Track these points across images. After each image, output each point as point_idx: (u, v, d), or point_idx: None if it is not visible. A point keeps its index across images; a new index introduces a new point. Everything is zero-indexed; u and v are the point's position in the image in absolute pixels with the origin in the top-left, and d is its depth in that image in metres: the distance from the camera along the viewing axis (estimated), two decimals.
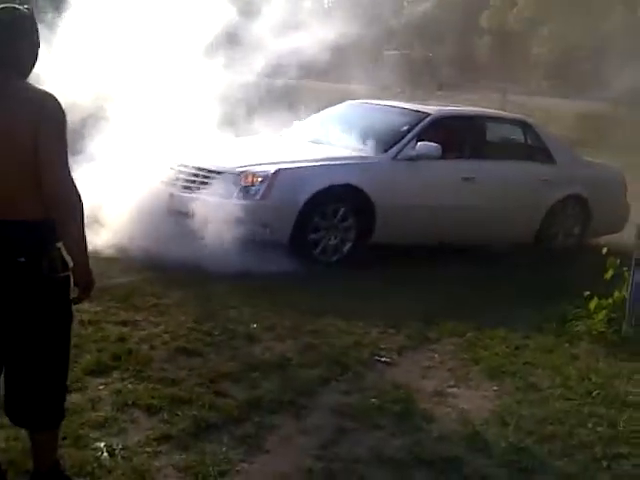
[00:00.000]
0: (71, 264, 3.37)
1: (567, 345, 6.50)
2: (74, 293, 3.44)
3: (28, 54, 3.36)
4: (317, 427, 4.67)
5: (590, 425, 4.95)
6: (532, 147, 10.02)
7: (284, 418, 4.74)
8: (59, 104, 3.25)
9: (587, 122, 24.33)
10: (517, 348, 6.33)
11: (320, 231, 8.14)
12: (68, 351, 3.50)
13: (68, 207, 3.25)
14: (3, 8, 3.35)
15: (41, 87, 3.33)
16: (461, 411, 5.07)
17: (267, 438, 4.47)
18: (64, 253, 3.38)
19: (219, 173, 8.12)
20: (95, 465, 3.95)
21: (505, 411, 5.07)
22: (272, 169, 7.99)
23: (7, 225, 3.21)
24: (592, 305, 6.87)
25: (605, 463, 4.51)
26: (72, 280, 3.39)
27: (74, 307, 3.48)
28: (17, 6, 3.36)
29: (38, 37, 3.38)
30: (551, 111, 28.94)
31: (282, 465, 4.21)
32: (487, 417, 4.99)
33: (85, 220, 3.32)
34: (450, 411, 5.08)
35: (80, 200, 3.26)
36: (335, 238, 8.24)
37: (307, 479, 4.09)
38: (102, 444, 4.15)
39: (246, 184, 7.93)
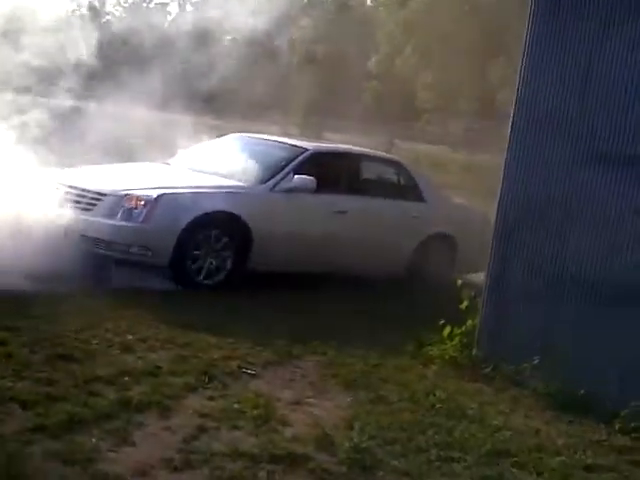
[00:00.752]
0: None
1: (420, 366, 7.09)
2: None
3: None
4: (180, 426, 5.10)
5: (429, 433, 5.51)
6: (404, 186, 10.69)
7: (151, 417, 5.16)
8: None
9: (470, 168, 25.43)
10: (374, 366, 6.89)
11: (199, 255, 8.58)
12: None
13: None
14: None
15: None
16: (315, 417, 5.59)
17: (134, 433, 4.88)
18: None
19: (104, 195, 8.50)
20: None
21: (354, 418, 5.59)
22: (155, 194, 8.42)
23: None
24: (445, 332, 7.50)
25: (437, 464, 5.08)
26: None
27: None
28: None
29: None
30: (436, 157, 30.19)
31: (145, 455, 4.63)
32: (337, 423, 5.50)
33: None
34: (305, 417, 5.58)
35: None
36: (213, 263, 8.69)
37: (167, 467, 4.52)
38: None
39: (130, 207, 8.33)
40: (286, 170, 9.40)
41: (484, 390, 6.63)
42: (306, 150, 9.80)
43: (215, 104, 41.45)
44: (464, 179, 21.97)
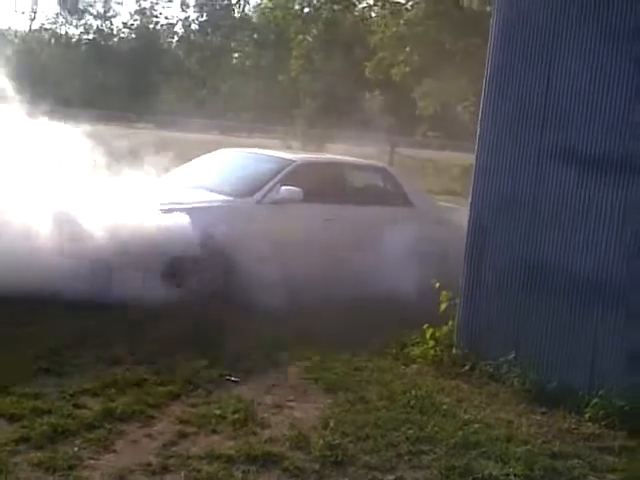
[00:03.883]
0: None
1: (402, 367, 7.31)
2: None
3: None
4: (161, 432, 5.37)
5: (402, 429, 5.74)
6: (390, 191, 10.93)
7: (133, 426, 5.43)
8: None
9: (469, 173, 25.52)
10: (356, 369, 7.11)
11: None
12: None
13: None
14: None
15: None
16: (293, 419, 5.83)
17: (115, 441, 5.16)
18: None
19: None
20: None
21: (331, 418, 5.83)
22: None
23: None
24: (427, 333, 7.73)
25: (407, 458, 5.31)
26: None
27: None
28: None
29: None
30: (438, 162, 30.39)
31: (126, 461, 4.89)
32: (314, 423, 5.74)
33: None
34: (284, 419, 5.83)
35: None
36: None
37: (145, 471, 4.79)
38: None
39: None
40: (273, 182, 9.65)
41: (461, 387, 6.85)
42: (293, 162, 10.06)
43: (220, 120, 41.82)
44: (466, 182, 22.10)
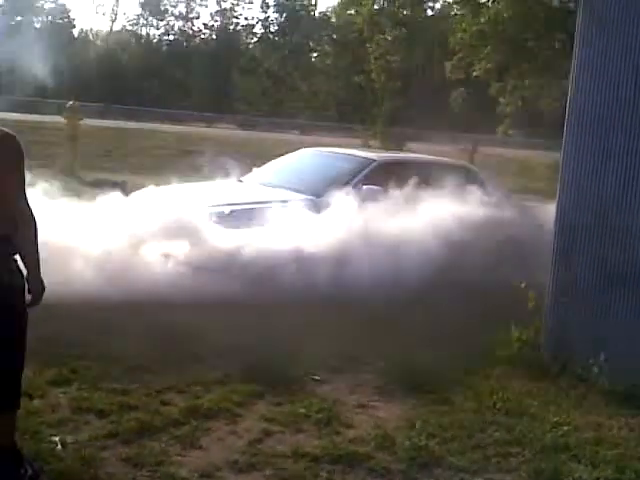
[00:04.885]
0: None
1: (487, 368, 7.19)
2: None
3: None
4: (247, 430, 5.38)
5: (489, 431, 5.65)
6: (472, 190, 10.79)
7: (219, 423, 5.44)
8: (17, 142, 4.01)
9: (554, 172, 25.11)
10: (441, 370, 6.99)
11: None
12: (24, 346, 4.22)
13: (26, 228, 4.02)
14: None
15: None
16: (378, 419, 5.79)
17: (202, 438, 5.17)
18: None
19: None
20: (49, 455, 4.65)
21: (416, 419, 5.77)
22: (227, 210, 8.74)
23: None
24: (513, 333, 7.60)
25: (495, 460, 5.23)
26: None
27: None
28: None
29: None
30: (521, 160, 30.00)
31: (212, 458, 4.91)
32: (399, 424, 5.69)
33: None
34: (368, 419, 5.78)
35: (34, 221, 4.03)
36: None
37: (231, 469, 4.80)
38: (57, 438, 4.85)
39: None
40: (354, 181, 9.62)
41: (549, 389, 6.70)
42: (373, 161, 10.02)
43: (299, 119, 41.96)
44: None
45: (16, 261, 4.14)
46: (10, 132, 4.06)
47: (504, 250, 10.30)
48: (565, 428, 5.74)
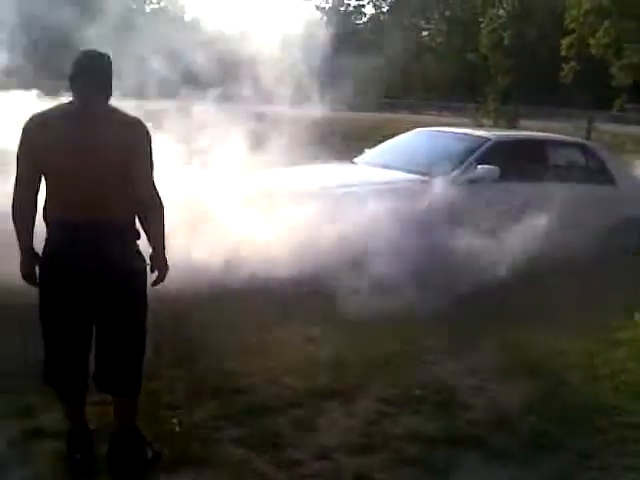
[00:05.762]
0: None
1: (609, 350, 6.98)
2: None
3: (111, 86, 4.21)
4: (362, 411, 5.34)
5: (610, 415, 5.49)
6: (592, 169, 10.50)
7: (334, 404, 5.43)
8: (146, 128, 4.08)
9: None
10: (560, 352, 6.84)
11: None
12: (145, 330, 4.29)
13: (155, 211, 4.12)
14: (99, 52, 4.20)
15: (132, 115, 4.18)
16: (495, 402, 5.67)
17: (317, 420, 5.17)
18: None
19: None
20: (168, 436, 4.71)
21: (535, 402, 5.63)
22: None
23: (101, 222, 4.04)
24: (636, 315, 7.37)
25: (616, 445, 5.07)
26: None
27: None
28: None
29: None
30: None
31: (327, 440, 4.90)
32: (518, 407, 5.56)
33: None
34: (486, 402, 5.68)
35: (162, 205, 4.13)
36: None
37: (347, 451, 4.77)
38: (175, 420, 4.92)
39: None
40: (469, 160, 9.46)
41: None
42: (488, 139, 9.83)
43: (408, 100, 41.68)
44: None
45: (137, 245, 4.22)
46: (139, 119, 4.13)
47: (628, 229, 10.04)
48: None
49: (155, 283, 4.32)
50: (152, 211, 4.14)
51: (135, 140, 4.06)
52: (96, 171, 4.01)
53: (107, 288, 4.08)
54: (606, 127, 29.89)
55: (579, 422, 5.34)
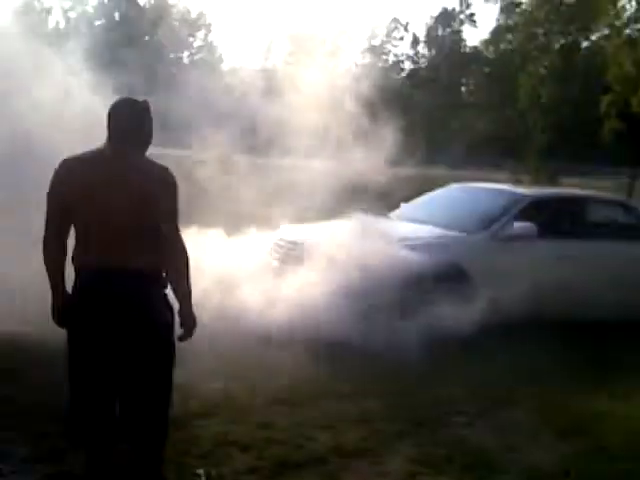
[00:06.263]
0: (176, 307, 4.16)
1: None
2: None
3: (150, 135, 4.21)
4: (391, 471, 5.23)
5: None
6: (633, 226, 10.37)
7: (362, 462, 5.32)
8: (173, 176, 4.08)
9: None
10: (598, 414, 6.64)
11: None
12: (172, 381, 4.24)
13: (182, 260, 4.09)
14: (135, 99, 4.21)
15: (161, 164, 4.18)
16: (526, 465, 5.52)
17: (344, 477, 5.06)
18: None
19: None
20: None
21: (569, 466, 5.47)
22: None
23: (128, 272, 4.02)
24: None
25: None
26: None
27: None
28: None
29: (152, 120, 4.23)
30: None
31: None
32: (551, 471, 5.41)
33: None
34: (516, 464, 5.52)
35: (187, 255, 4.11)
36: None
37: None
38: (201, 471, 4.85)
39: None
40: (506, 217, 9.38)
41: None
42: (526, 196, 9.75)
43: (446, 155, 41.79)
44: None
45: (166, 295, 4.18)
46: (167, 168, 4.13)
47: None
48: None
49: (182, 338, 4.25)
50: (175, 261, 4.09)
51: (162, 188, 4.05)
52: (124, 217, 4.00)
53: (137, 337, 4.04)
54: None
55: None
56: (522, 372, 7.56)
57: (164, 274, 4.15)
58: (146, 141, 4.22)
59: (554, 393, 7.01)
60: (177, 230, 4.10)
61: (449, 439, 5.85)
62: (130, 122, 4.14)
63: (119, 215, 4.01)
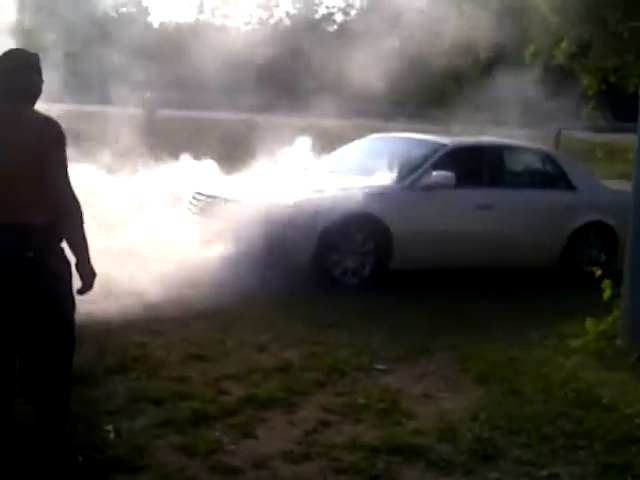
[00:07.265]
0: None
1: (560, 359, 6.89)
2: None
3: (37, 87, 4.09)
4: (303, 420, 5.22)
5: (558, 423, 5.40)
6: (551, 175, 10.46)
7: (275, 412, 5.30)
8: (61, 128, 3.95)
9: None
10: (511, 359, 6.75)
11: (340, 254, 8.67)
12: (73, 335, 4.15)
13: (70, 213, 3.95)
14: (19, 49, 4.08)
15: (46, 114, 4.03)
16: (441, 410, 5.57)
17: (257, 427, 5.04)
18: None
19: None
20: (102, 443, 4.58)
21: (481, 410, 5.52)
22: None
23: (17, 227, 3.90)
24: (588, 323, 7.29)
25: (562, 453, 4.99)
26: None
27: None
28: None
29: (42, 74, 4.11)
30: (610, 145, 29.15)
31: (266, 448, 4.77)
32: (463, 415, 5.46)
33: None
34: (432, 410, 5.56)
35: (79, 207, 3.96)
36: (353, 263, 8.76)
37: (285, 459, 4.65)
38: (110, 427, 4.78)
39: None
40: (425, 166, 9.38)
41: (625, 380, 6.40)
42: (445, 145, 9.75)
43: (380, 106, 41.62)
44: None
45: (62, 248, 4.08)
46: (52, 118, 4.01)
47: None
48: (638, 420, 5.46)
49: (81, 291, 4.16)
50: (68, 214, 3.99)
51: (48, 139, 3.93)
52: (11, 170, 3.88)
53: (32, 291, 3.95)
54: (577, 135, 29.95)
55: (525, 431, 5.24)
56: (441, 322, 7.66)
57: (57, 228, 4.03)
58: (35, 95, 4.10)
59: (472, 342, 7.08)
60: (68, 182, 3.99)
61: (368, 387, 5.86)
62: (18, 76, 4.02)
63: (5, 168, 3.89)
